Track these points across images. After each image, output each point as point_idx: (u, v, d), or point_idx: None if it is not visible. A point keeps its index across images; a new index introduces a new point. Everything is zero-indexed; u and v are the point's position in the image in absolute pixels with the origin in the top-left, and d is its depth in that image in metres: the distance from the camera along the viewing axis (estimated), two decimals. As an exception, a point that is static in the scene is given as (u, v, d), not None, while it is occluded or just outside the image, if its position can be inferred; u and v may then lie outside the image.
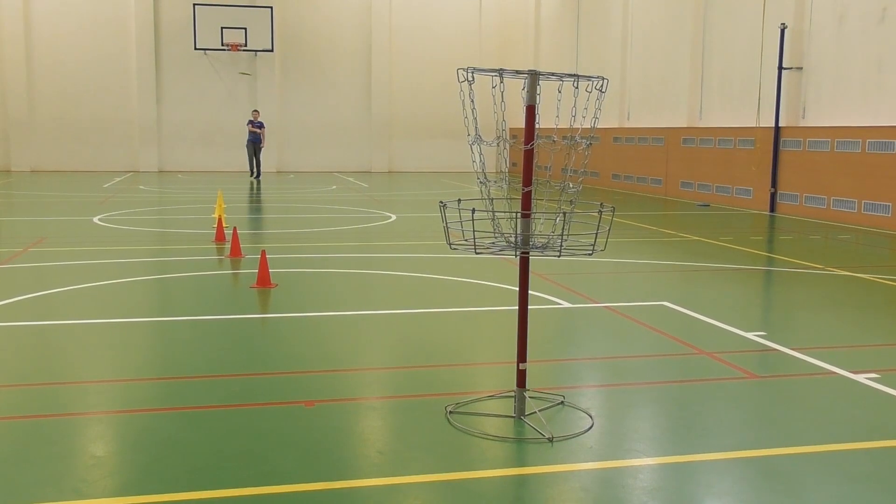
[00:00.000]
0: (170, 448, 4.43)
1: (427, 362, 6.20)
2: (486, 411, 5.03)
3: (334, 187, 23.91)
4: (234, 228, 11.37)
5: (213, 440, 4.55)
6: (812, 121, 17.01)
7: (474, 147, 4.85)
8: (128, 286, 9.10)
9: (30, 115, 29.29)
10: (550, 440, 4.55)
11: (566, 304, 8.18)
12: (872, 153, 15.19)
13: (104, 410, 5.06)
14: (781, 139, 17.50)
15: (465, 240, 4.74)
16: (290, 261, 10.62)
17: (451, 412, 4.97)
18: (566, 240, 4.68)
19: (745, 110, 18.97)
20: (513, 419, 4.88)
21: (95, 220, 14.98)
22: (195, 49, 29.60)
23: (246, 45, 29.76)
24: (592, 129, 4.89)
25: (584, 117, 4.99)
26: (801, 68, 17.22)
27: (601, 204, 4.81)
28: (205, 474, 4.10)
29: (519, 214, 4.72)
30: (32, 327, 7.23)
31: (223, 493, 3.88)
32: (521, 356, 4.89)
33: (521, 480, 4.14)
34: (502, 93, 4.77)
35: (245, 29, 29.65)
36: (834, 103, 16.46)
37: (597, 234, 4.71)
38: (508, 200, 5.32)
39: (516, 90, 5.51)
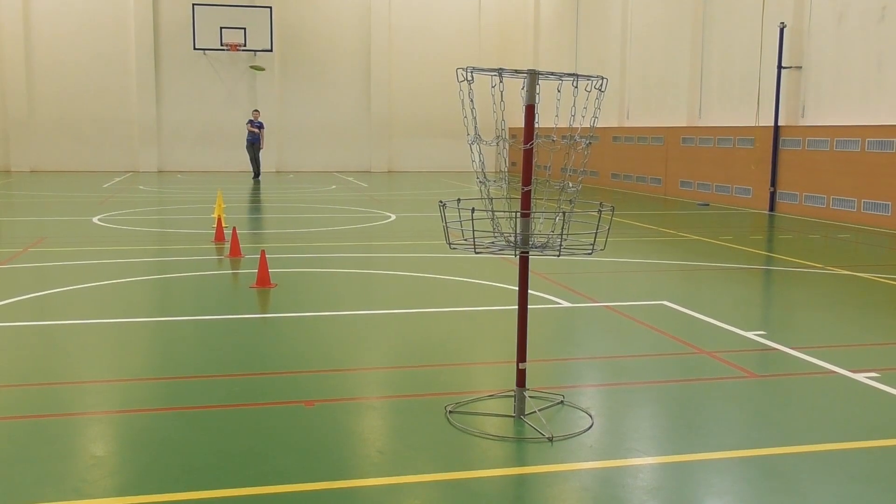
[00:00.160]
0: (170, 448, 4.43)
1: (427, 362, 6.21)
2: (486, 411, 5.03)
3: (334, 187, 23.91)
4: (234, 228, 11.37)
5: (213, 440, 4.55)
6: (811, 120, 17.02)
7: (474, 147, 4.85)
8: (128, 286, 9.10)
9: (29, 115, 29.29)
10: (550, 440, 4.55)
11: (566, 304, 8.18)
12: (872, 152, 15.19)
13: (104, 410, 5.06)
14: (781, 138, 17.50)
15: (465, 239, 4.74)
16: (290, 261, 10.62)
17: (450, 412, 4.97)
18: (566, 239, 4.68)
19: (745, 109, 18.97)
20: (513, 419, 4.88)
21: (95, 220, 14.98)
22: (194, 49, 29.60)
23: (245, 46, 29.75)
24: (592, 128, 4.89)
25: (583, 117, 5.00)
26: (801, 67, 17.22)
27: (601, 203, 4.81)
28: (205, 474, 4.10)
29: (518, 214, 4.72)
30: (32, 327, 7.23)
31: (223, 493, 3.88)
32: (521, 356, 4.89)
33: (521, 480, 4.14)
34: (502, 92, 4.77)
35: (244, 29, 29.65)
36: (833, 102, 16.46)
37: (596, 233, 4.71)
38: (508, 200, 5.32)
39: (516, 90, 5.51)
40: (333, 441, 4.55)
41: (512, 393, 5.06)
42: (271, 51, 30.13)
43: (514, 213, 4.74)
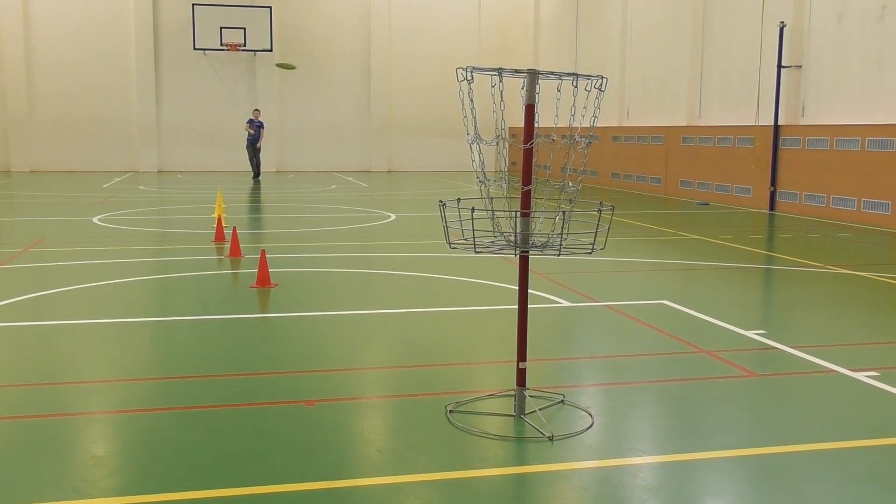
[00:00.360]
0: (170, 448, 4.43)
1: (427, 361, 6.21)
2: (486, 410, 5.03)
3: (334, 187, 23.91)
4: (234, 228, 11.37)
5: (213, 440, 4.55)
6: (811, 119, 17.01)
7: (474, 146, 4.85)
8: (128, 286, 9.10)
9: (29, 115, 29.28)
10: (550, 439, 4.55)
11: (566, 303, 8.18)
12: (872, 151, 15.19)
13: (104, 410, 5.06)
14: (781, 137, 17.49)
15: (465, 239, 4.74)
16: (290, 260, 10.62)
17: (451, 411, 4.97)
18: (566, 238, 4.68)
19: (745, 109, 18.97)
20: (513, 418, 4.88)
21: (95, 220, 14.98)
22: (194, 49, 29.59)
23: (245, 46, 29.75)
24: (592, 127, 4.89)
25: (583, 116, 4.99)
26: (801, 66, 17.22)
27: (601, 203, 4.81)
28: (205, 474, 4.10)
29: (518, 213, 4.72)
30: (32, 327, 7.23)
31: (223, 493, 3.88)
32: (521, 355, 4.89)
33: (521, 479, 4.14)
34: (501, 92, 4.77)
35: (244, 29, 29.64)
36: (833, 101, 16.46)
37: (596, 232, 4.71)
38: (508, 199, 5.32)
39: (516, 89, 5.51)
40: (333, 441, 4.55)
41: (512, 392, 5.06)
42: (271, 51, 30.11)
43: (514, 213, 4.74)
